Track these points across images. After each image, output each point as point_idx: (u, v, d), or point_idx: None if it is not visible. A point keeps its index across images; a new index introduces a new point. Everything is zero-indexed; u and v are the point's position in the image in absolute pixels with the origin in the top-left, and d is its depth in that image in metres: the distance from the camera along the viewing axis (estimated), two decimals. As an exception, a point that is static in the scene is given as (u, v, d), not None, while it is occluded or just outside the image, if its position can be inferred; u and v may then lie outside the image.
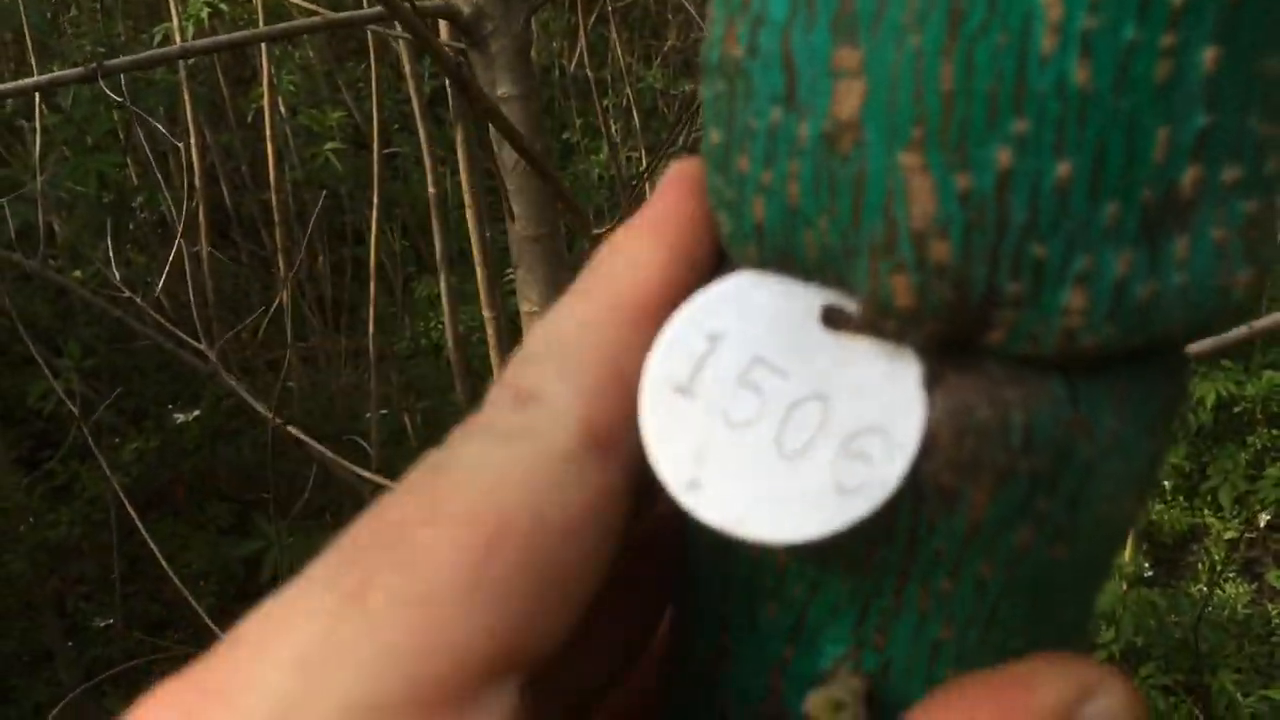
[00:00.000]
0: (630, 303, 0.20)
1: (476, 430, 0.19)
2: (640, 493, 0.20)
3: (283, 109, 3.00)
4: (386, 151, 3.56)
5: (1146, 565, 2.82)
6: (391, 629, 0.16)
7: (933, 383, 0.18)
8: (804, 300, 0.19)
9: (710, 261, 0.21)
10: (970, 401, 0.18)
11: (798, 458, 0.19)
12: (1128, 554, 2.63)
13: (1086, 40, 0.16)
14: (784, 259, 0.19)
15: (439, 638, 0.16)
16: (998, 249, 0.17)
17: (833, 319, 0.19)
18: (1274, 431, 3.14)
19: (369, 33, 1.87)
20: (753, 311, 0.19)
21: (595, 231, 0.59)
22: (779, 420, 0.19)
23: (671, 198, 0.21)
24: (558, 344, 0.19)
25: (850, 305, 0.19)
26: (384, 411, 2.79)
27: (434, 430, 2.97)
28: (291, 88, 3.21)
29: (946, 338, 0.18)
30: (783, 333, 0.19)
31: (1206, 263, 0.18)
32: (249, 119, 3.18)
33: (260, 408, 1.26)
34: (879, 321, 0.18)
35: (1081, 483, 0.19)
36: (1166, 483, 3.14)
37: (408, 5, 0.53)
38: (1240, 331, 0.51)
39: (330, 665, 0.16)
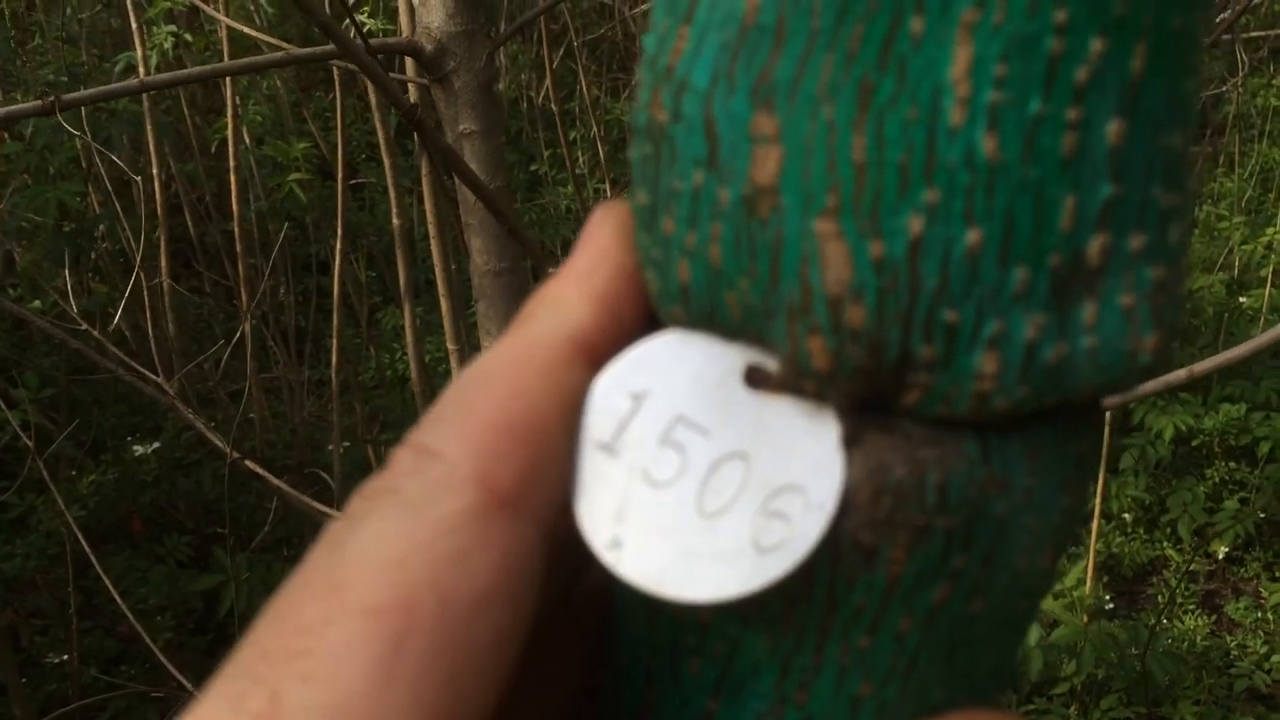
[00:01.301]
0: (546, 351, 0.19)
1: (377, 497, 0.18)
2: (559, 545, 0.19)
3: (247, 139, 2.99)
4: (353, 182, 3.56)
5: (1107, 598, 2.84)
6: None
7: (851, 442, 0.19)
8: (728, 360, 0.20)
9: (638, 314, 0.21)
10: (887, 461, 0.18)
11: (717, 516, 0.19)
12: (1088, 586, 2.65)
13: (994, 113, 0.17)
14: (709, 319, 0.20)
15: None
16: (911, 314, 0.18)
17: (755, 379, 0.19)
18: (1231, 465, 3.18)
19: (333, 65, 1.87)
20: (677, 371, 0.20)
21: (550, 270, 0.60)
22: (700, 479, 0.19)
23: (602, 245, 0.21)
24: (464, 397, 0.19)
25: (773, 365, 0.19)
26: (347, 444, 2.77)
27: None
28: (258, 118, 3.20)
29: (864, 399, 0.19)
30: (706, 392, 0.20)
31: (1114, 327, 0.18)
32: (213, 148, 3.17)
33: (218, 441, 1.25)
34: (798, 382, 0.19)
35: (996, 539, 0.19)
36: (1127, 515, 3.17)
37: (360, 44, 0.54)
38: (1179, 375, 0.52)
39: None
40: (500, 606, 0.17)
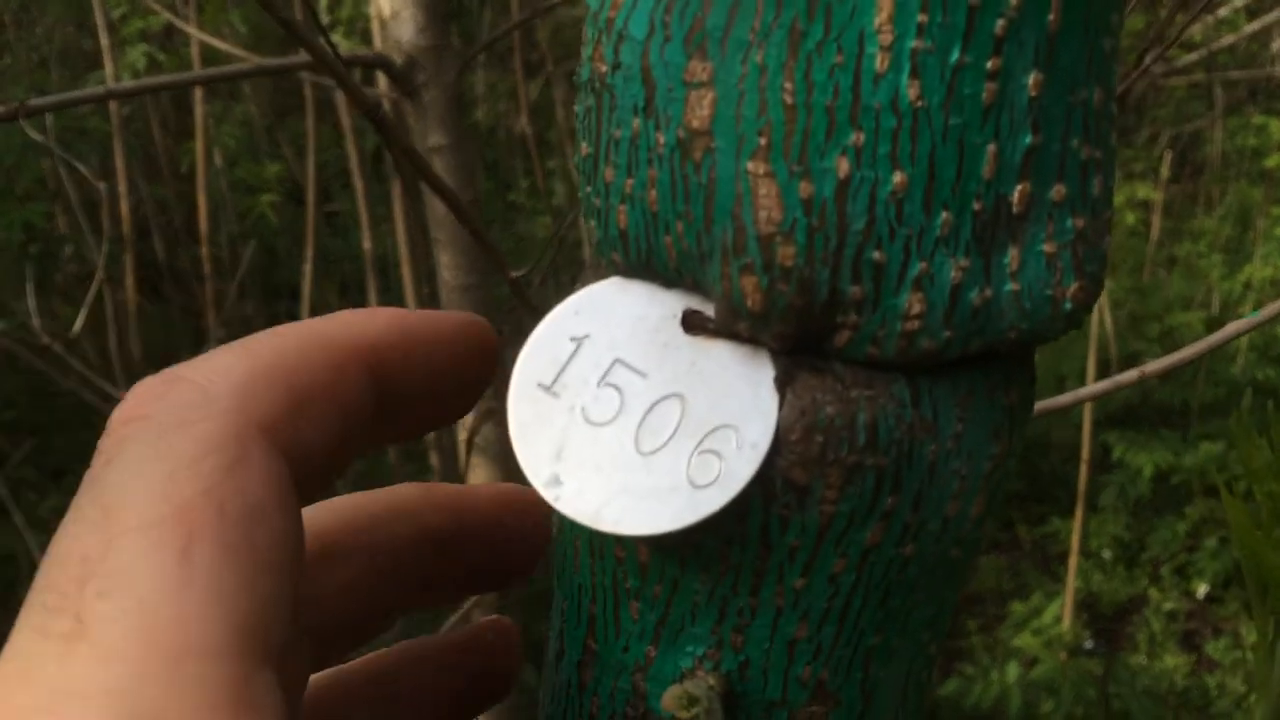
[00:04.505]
0: (326, 341, 0.20)
1: (128, 424, 0.18)
2: (310, 487, 0.20)
3: (218, 160, 2.99)
4: (328, 209, 3.55)
5: (1087, 635, 2.84)
6: (122, 657, 0.15)
7: (784, 383, 0.19)
8: (665, 304, 0.20)
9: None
10: (819, 400, 0.19)
11: (654, 455, 0.19)
12: (1066, 624, 2.65)
13: (916, 60, 0.17)
14: (647, 264, 0.20)
15: (173, 645, 0.15)
16: (840, 253, 0.18)
17: (692, 322, 0.20)
18: (1211, 503, 3.19)
19: (306, 86, 1.88)
20: (616, 315, 0.20)
21: (514, 274, 0.60)
22: (638, 419, 0.20)
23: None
24: (229, 347, 0.20)
25: (709, 310, 0.20)
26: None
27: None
28: (231, 141, 3.20)
29: (797, 340, 0.19)
30: (644, 335, 0.20)
31: (1037, 273, 0.19)
32: (183, 169, 3.16)
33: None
34: (733, 323, 0.19)
35: (926, 482, 0.19)
36: (1106, 553, 3.18)
37: (329, 49, 0.54)
38: (1130, 375, 0.53)
39: (73, 711, 0.15)
40: (276, 516, 0.17)
